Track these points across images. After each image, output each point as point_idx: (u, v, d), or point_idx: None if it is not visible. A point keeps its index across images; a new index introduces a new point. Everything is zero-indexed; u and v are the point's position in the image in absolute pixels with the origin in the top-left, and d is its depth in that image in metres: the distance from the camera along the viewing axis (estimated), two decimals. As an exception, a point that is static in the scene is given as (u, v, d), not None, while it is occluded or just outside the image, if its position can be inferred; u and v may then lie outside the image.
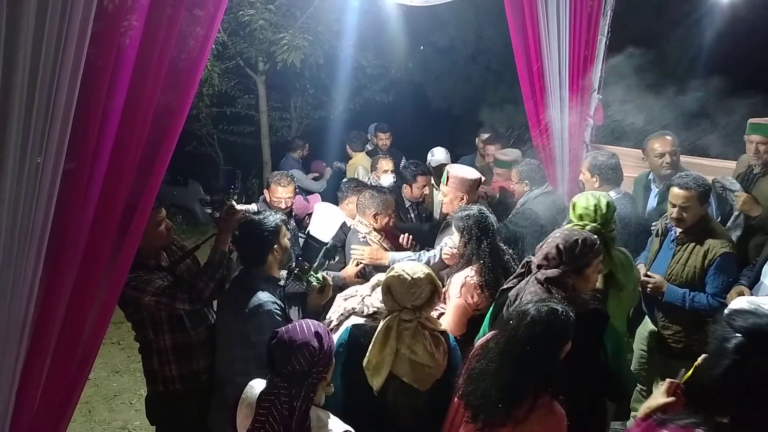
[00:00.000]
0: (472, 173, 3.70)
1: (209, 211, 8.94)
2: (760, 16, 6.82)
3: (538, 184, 4.10)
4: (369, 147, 6.76)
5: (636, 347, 3.61)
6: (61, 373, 1.96)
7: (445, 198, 3.66)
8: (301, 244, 3.86)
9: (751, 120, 3.83)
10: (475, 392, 2.11)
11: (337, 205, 4.07)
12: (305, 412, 1.92)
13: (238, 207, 2.92)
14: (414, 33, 8.24)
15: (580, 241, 2.52)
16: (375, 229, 3.63)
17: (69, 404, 2.06)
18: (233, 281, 2.86)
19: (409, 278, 2.32)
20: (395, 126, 6.83)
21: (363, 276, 3.44)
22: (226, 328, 2.75)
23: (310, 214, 5.87)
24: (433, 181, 4.89)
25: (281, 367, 1.93)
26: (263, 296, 2.63)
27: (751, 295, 2.91)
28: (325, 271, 3.04)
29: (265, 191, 4.18)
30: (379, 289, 2.54)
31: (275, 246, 2.77)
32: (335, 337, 2.40)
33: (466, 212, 3.10)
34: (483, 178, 3.89)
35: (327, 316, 2.76)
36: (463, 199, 3.61)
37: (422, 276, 2.34)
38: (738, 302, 2.31)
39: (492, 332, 2.36)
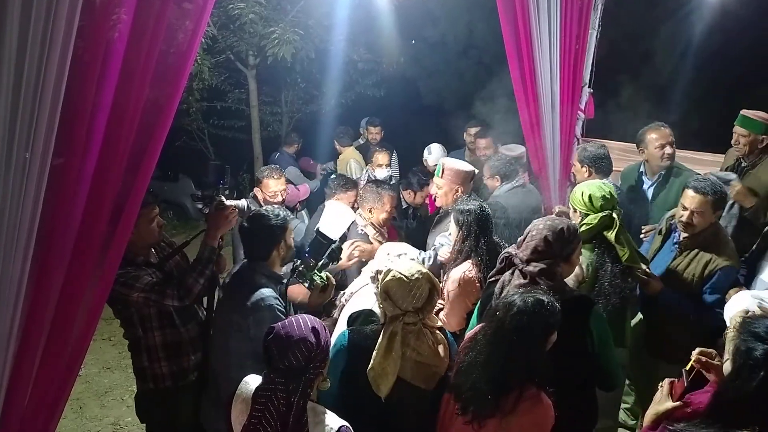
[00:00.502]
0: (466, 165, 3.72)
1: (200, 206, 8.90)
2: (750, 12, 6.88)
3: (510, 178, 4.13)
4: (361, 141, 6.75)
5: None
6: (52, 369, 1.95)
7: (440, 191, 3.65)
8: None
9: (743, 111, 3.87)
10: (465, 385, 2.11)
11: (324, 201, 4.06)
12: (303, 408, 1.92)
13: (228, 203, 2.90)
14: (406, 28, 8.22)
15: (565, 229, 2.53)
16: (372, 223, 3.63)
17: (59, 401, 2.04)
18: (235, 275, 2.84)
19: (407, 279, 2.27)
20: (387, 121, 6.82)
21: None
22: (225, 321, 2.73)
23: (301, 202, 5.88)
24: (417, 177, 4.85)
25: (278, 362, 1.93)
26: (266, 291, 2.63)
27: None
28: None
29: (256, 189, 4.11)
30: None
31: (281, 242, 2.76)
32: (332, 339, 2.39)
33: (468, 207, 3.09)
34: (477, 171, 3.90)
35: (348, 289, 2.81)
36: (458, 191, 3.61)
37: (419, 276, 2.30)
38: (740, 298, 2.32)
39: (479, 324, 2.36)
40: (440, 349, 2.33)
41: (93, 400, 4.44)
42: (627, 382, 3.68)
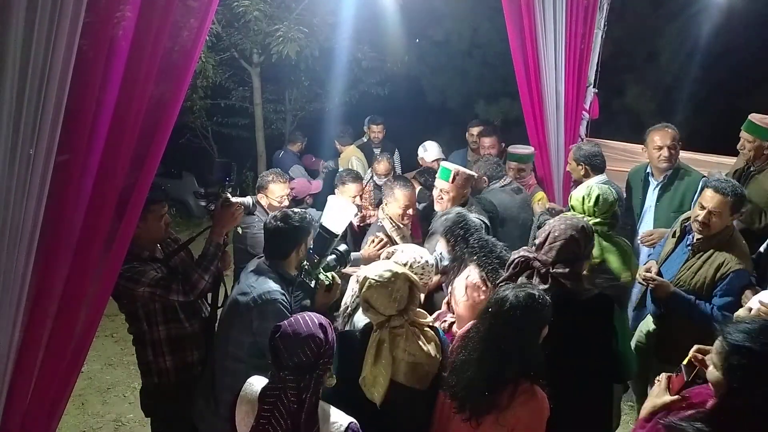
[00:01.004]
0: (471, 171, 3.73)
1: (203, 203, 8.91)
2: (757, 12, 6.84)
3: (497, 178, 4.15)
4: (364, 139, 6.75)
5: (634, 342, 3.60)
6: (54, 365, 1.95)
7: (446, 195, 3.60)
8: None
9: (750, 116, 3.84)
10: (460, 383, 2.11)
11: (333, 194, 4.05)
12: (315, 404, 1.92)
13: (233, 200, 2.91)
14: (410, 26, 8.20)
15: (585, 226, 2.53)
16: (389, 217, 3.61)
17: (62, 397, 2.05)
18: (251, 267, 2.83)
19: (382, 281, 2.23)
20: (390, 119, 6.81)
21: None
22: (230, 312, 2.74)
23: (311, 195, 5.88)
24: (424, 178, 4.83)
25: (288, 360, 1.91)
26: (273, 285, 2.63)
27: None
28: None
29: (260, 195, 3.94)
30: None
31: (302, 245, 2.77)
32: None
33: (444, 216, 3.07)
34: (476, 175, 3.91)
35: (342, 302, 2.76)
36: (464, 196, 3.60)
37: (395, 277, 2.25)
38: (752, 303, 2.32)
39: (471, 321, 2.34)
40: (432, 347, 2.31)
41: (95, 397, 4.45)
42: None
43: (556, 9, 4.33)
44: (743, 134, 3.82)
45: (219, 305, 3.01)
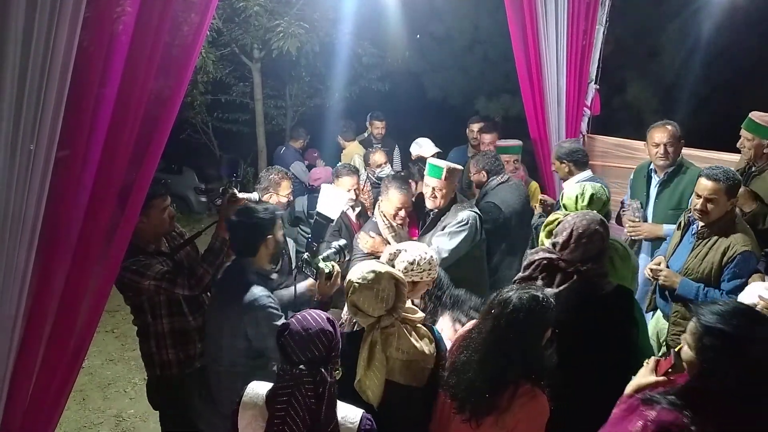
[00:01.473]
0: (455, 163, 3.68)
1: (204, 199, 8.92)
2: (759, 8, 6.82)
3: (496, 173, 4.16)
4: (366, 135, 6.74)
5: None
6: (55, 361, 1.95)
7: (439, 192, 3.59)
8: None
9: (751, 114, 3.82)
10: (460, 384, 2.11)
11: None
12: (334, 395, 1.92)
13: (240, 195, 2.92)
14: (411, 22, 8.18)
15: (602, 219, 2.53)
16: (383, 214, 3.61)
17: (63, 392, 2.06)
18: (225, 270, 2.85)
19: (366, 283, 2.21)
20: (391, 115, 6.80)
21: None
22: (218, 317, 2.72)
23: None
24: (418, 167, 4.81)
25: (301, 356, 1.91)
26: (257, 291, 2.59)
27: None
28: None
29: (270, 194, 3.82)
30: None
31: (269, 237, 2.73)
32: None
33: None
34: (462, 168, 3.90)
35: (342, 315, 2.72)
36: (454, 189, 3.61)
37: (376, 276, 2.23)
38: (754, 287, 2.32)
39: (472, 321, 2.32)
40: (425, 343, 2.30)
41: (96, 392, 4.46)
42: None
43: (557, 5, 4.32)
44: (743, 132, 3.80)
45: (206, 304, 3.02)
